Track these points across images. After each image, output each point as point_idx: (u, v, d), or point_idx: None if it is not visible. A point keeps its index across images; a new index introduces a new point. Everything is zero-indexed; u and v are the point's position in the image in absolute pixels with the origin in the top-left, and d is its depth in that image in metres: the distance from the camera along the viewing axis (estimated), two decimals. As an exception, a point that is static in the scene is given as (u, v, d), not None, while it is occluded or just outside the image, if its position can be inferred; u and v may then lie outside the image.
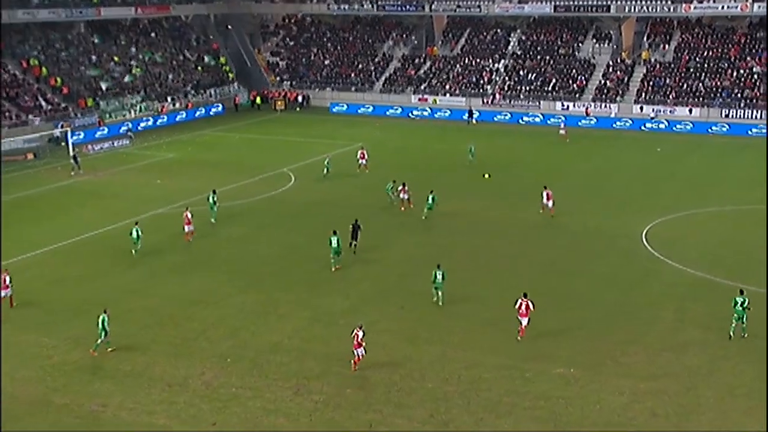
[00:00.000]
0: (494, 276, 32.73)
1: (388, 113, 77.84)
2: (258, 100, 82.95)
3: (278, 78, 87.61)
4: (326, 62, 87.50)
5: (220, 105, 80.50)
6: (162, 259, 35.32)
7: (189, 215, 37.24)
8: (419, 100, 78.89)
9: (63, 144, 61.14)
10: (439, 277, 29.33)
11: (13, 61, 70.34)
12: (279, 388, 23.91)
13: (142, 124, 70.74)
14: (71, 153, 54.70)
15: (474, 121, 72.59)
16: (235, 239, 38.29)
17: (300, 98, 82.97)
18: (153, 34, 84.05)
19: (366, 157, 51.42)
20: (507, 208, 42.93)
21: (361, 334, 24.75)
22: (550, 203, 41.13)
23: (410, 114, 76.54)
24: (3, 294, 29.53)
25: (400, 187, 42.33)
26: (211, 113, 78.79)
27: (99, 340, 26.07)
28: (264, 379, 24.42)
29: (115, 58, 76.96)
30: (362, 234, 35.38)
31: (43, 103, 66.75)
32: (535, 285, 31.13)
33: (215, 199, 40.50)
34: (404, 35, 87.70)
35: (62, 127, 63.27)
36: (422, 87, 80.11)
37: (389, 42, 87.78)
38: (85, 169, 53.71)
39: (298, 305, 29.93)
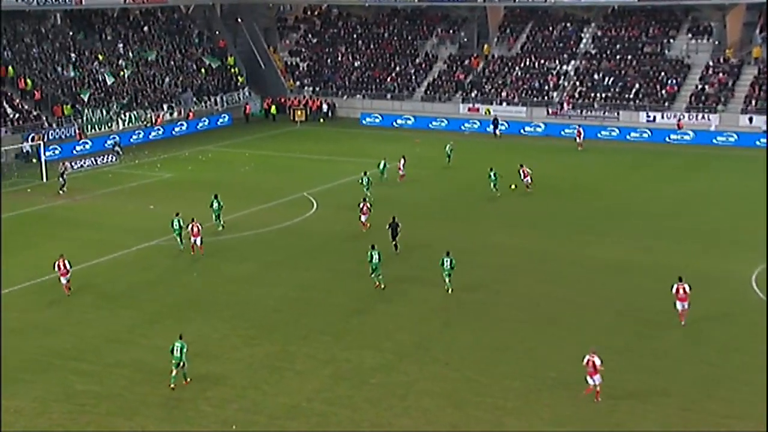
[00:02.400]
0: (558, 328, 32.60)
1: (431, 126, 78.25)
2: (273, 109, 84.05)
3: (298, 83, 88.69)
4: (356, 64, 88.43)
5: (227, 115, 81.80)
6: (153, 302, 35.72)
7: (199, 226, 40.96)
8: (469, 110, 79.25)
9: (34, 161, 62.43)
10: (447, 264, 35.34)
11: (-26, 59, 72.07)
12: (294, 463, 23.93)
13: (132, 138, 72.06)
14: (59, 170, 56.01)
15: (498, 132, 73.78)
16: (241, 278, 38.63)
17: (324, 107, 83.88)
18: (146, 28, 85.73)
19: (403, 169, 55.66)
20: (569, 243, 43.04)
21: (597, 360, 26.27)
22: (528, 179, 51.74)
23: (461, 127, 76.87)
24: (63, 280, 36.47)
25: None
26: (216, 125, 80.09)
27: (174, 372, 27.60)
28: (276, 451, 24.46)
29: (99, 57, 78.58)
30: (396, 277, 35.60)
31: (10, 111, 68.15)
32: (611, 339, 30.93)
33: (220, 203, 45.15)
34: (452, 31, 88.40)
35: (33, 140, 64.56)
36: (473, 94, 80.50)
37: (433, 39, 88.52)
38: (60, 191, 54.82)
39: (319, 360, 30.03)
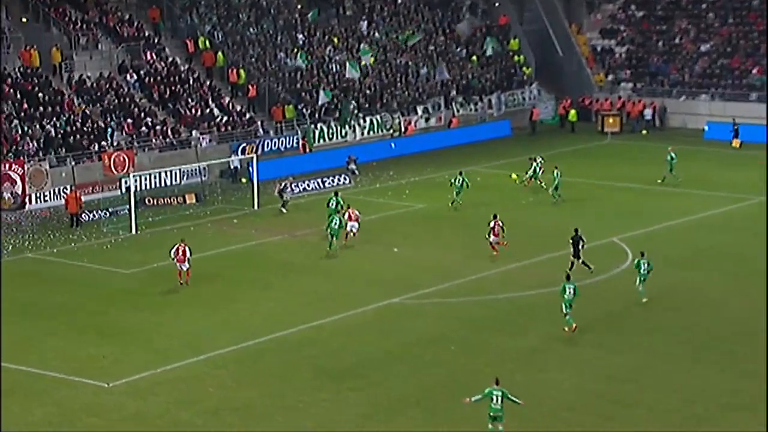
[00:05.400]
0: None
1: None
2: (572, 114, 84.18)
3: (611, 77, 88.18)
4: (703, 48, 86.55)
5: (505, 123, 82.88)
6: (392, 383, 35.92)
7: (357, 212, 51.02)
8: None
9: (243, 180, 65.18)
10: (644, 267, 43.47)
11: (172, 41, 76.72)
12: None
13: (373, 152, 74.00)
14: (278, 188, 59.40)
15: (738, 140, 73.88)
16: (518, 357, 38.37)
17: (649, 113, 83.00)
18: (398, 1, 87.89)
19: None
20: None
21: None
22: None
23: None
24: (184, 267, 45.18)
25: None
26: (489, 136, 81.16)
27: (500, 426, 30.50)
28: None
29: (335, 40, 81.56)
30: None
31: (216, 112, 71.91)
32: None
33: (339, 201, 53.44)
34: None
35: (244, 152, 67.47)
36: None
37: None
38: (275, 223, 56.86)
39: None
